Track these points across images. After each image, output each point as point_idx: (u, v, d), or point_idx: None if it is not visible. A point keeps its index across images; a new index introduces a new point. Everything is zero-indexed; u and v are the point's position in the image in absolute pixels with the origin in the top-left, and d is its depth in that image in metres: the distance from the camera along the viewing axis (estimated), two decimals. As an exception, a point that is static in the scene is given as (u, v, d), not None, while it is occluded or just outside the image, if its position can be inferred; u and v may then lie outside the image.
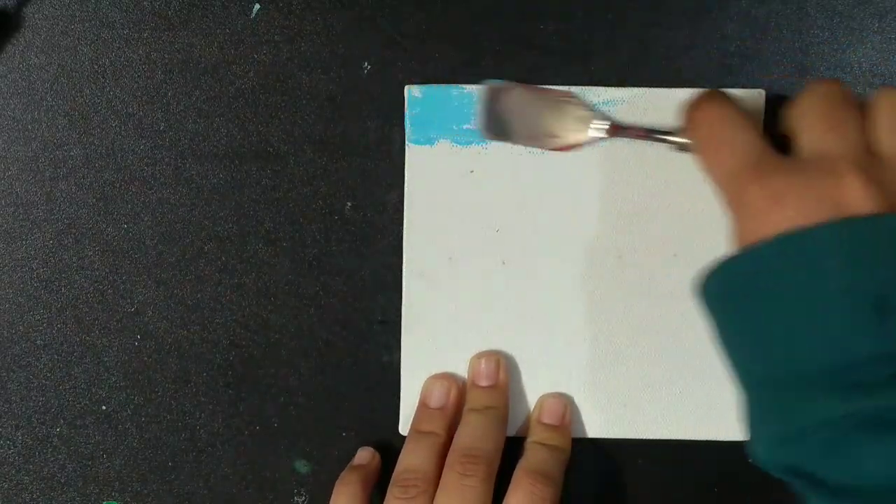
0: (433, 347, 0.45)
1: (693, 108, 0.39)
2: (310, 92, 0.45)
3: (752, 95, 0.44)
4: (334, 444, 0.46)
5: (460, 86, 0.45)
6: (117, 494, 0.46)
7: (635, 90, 0.45)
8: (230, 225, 0.46)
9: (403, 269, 0.45)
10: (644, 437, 0.45)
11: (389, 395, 0.46)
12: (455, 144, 0.45)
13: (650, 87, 0.45)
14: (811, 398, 0.33)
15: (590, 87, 0.45)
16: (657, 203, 0.45)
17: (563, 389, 0.45)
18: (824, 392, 0.33)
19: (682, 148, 0.42)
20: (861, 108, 0.37)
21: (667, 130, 0.43)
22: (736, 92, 0.44)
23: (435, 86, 0.45)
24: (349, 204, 0.46)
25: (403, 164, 0.45)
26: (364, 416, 0.46)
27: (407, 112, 0.45)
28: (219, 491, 0.46)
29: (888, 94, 0.37)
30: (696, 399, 0.45)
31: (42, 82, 0.45)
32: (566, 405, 0.45)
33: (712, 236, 0.45)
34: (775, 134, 0.38)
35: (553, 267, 0.45)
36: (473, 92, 0.45)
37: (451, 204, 0.45)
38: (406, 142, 0.45)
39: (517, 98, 0.44)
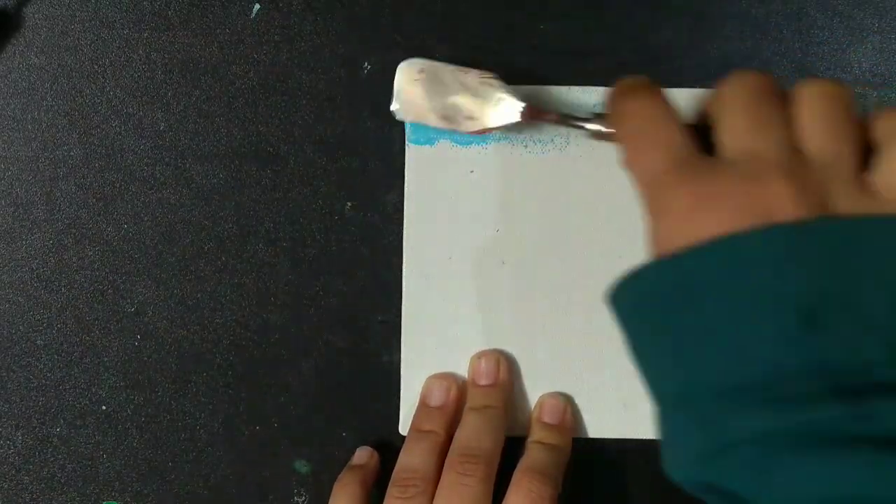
0: (433, 347, 0.45)
1: (619, 97, 0.36)
2: (310, 92, 0.45)
3: (752, 95, 0.44)
4: (334, 444, 0.46)
5: (460, 86, 0.45)
6: (117, 494, 0.46)
7: (635, 90, 0.45)
8: (230, 225, 0.46)
9: (403, 269, 0.45)
10: (644, 437, 0.45)
11: (389, 395, 0.46)
12: (455, 144, 0.45)
13: (650, 87, 0.45)
14: (734, 413, 0.31)
15: (590, 87, 0.45)
16: (657, 203, 0.45)
17: (562, 389, 0.45)
18: (749, 407, 0.30)
19: (599, 136, 0.40)
20: (785, 102, 0.34)
21: (584, 117, 0.41)
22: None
23: (435, 86, 0.45)
24: (349, 204, 0.46)
25: (403, 164, 0.45)
26: (364, 416, 0.46)
27: (407, 112, 0.45)
28: (219, 491, 0.46)
29: (809, 87, 0.34)
30: (696, 399, 0.45)
31: (42, 82, 0.45)
32: (566, 404, 0.45)
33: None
34: (697, 125, 0.36)
35: (553, 267, 0.45)
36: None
37: (451, 204, 0.45)
38: (406, 142, 0.45)
39: (435, 77, 0.43)
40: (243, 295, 0.46)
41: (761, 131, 0.33)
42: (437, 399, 0.44)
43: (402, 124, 0.45)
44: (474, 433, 0.43)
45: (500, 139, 0.45)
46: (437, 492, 0.41)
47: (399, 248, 0.45)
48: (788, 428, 0.30)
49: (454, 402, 0.44)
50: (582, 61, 0.45)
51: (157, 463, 0.46)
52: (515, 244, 0.45)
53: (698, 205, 0.32)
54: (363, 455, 0.45)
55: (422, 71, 0.43)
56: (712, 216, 0.32)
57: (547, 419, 0.45)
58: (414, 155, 0.45)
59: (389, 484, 0.42)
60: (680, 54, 0.45)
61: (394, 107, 0.43)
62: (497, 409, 0.44)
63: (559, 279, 0.45)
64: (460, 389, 0.45)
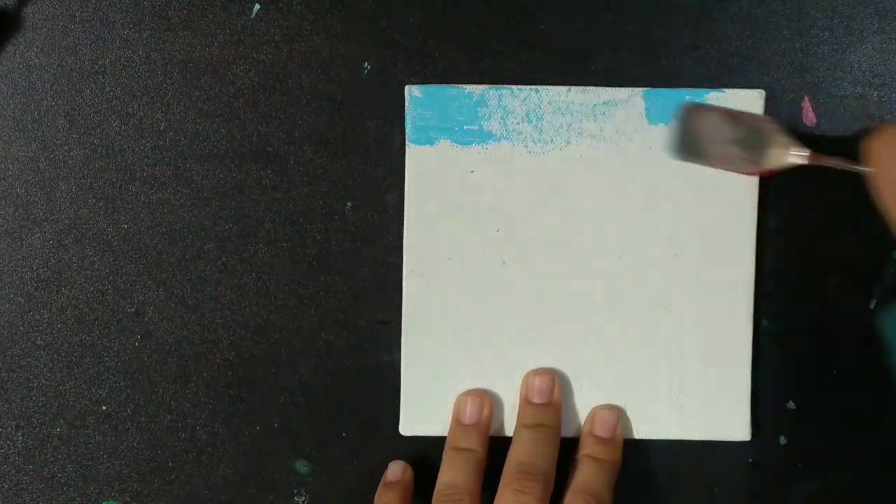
0: (433, 347, 0.45)
1: (870, 139, 0.38)
2: (310, 92, 0.45)
3: (752, 95, 0.44)
4: (334, 444, 0.46)
5: (460, 86, 0.45)
6: (117, 494, 0.46)
7: (635, 90, 0.45)
8: (230, 225, 0.46)
9: (403, 269, 0.45)
10: (644, 437, 0.45)
11: (389, 395, 0.46)
12: (455, 144, 0.45)
13: (650, 87, 0.45)
14: None
15: (590, 87, 0.45)
16: (657, 203, 0.45)
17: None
18: None
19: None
20: None
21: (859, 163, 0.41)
22: (736, 92, 0.44)
23: (435, 86, 0.45)
24: (349, 204, 0.46)
25: (403, 164, 0.45)
26: (364, 416, 0.46)
27: (407, 112, 0.45)
28: (219, 491, 0.46)
29: None
30: (696, 399, 0.45)
31: (42, 82, 0.45)
32: (618, 417, 0.45)
33: (712, 236, 0.45)
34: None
35: (553, 267, 0.45)
36: (474, 92, 0.45)
37: (451, 204, 0.45)
38: (406, 142, 0.45)
39: (714, 120, 0.43)
40: (243, 295, 0.46)
41: None
42: (471, 417, 0.44)
43: (402, 124, 0.45)
44: (530, 450, 0.43)
45: (500, 139, 0.45)
46: None
47: (399, 248, 0.45)
48: None
49: (487, 420, 0.44)
50: (582, 61, 0.45)
51: (157, 463, 0.46)
52: (515, 244, 0.45)
53: None
54: (397, 470, 0.45)
55: (701, 112, 0.43)
56: None
57: (599, 433, 0.44)
58: (414, 155, 0.45)
59: (433, 501, 0.42)
60: (680, 54, 0.45)
61: (672, 148, 0.44)
62: (552, 428, 0.44)
63: (559, 279, 0.45)
64: (492, 407, 0.45)
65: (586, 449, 0.44)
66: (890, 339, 0.37)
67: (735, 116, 0.43)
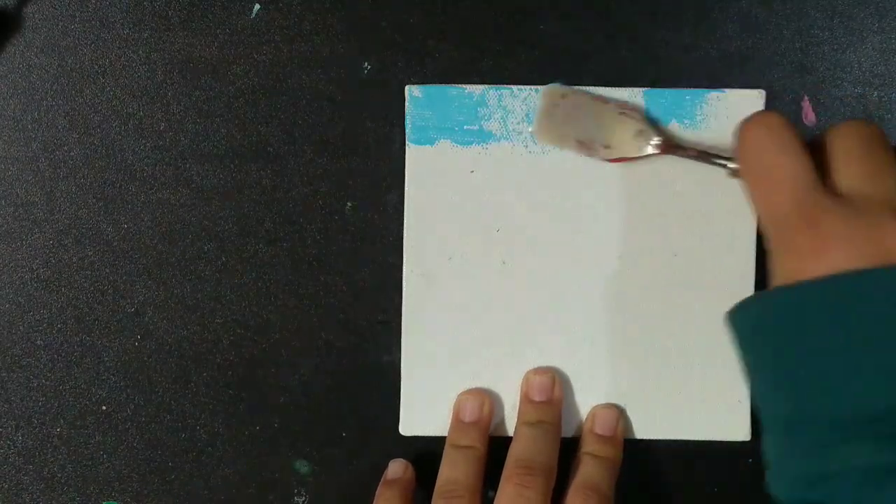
0: (433, 347, 0.45)
1: (740, 130, 0.38)
2: (310, 92, 0.45)
3: (752, 95, 0.44)
4: (334, 444, 0.46)
5: (460, 86, 0.45)
6: (117, 494, 0.46)
7: (635, 90, 0.45)
8: (230, 225, 0.46)
9: (403, 269, 0.45)
10: (644, 437, 0.45)
11: (389, 395, 0.46)
12: (455, 144, 0.45)
13: (650, 87, 0.45)
14: (846, 442, 0.33)
15: (590, 88, 0.45)
16: (657, 204, 0.45)
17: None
18: (861, 438, 0.33)
19: (737, 175, 0.40)
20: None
21: (724, 155, 0.42)
22: (736, 92, 0.44)
23: (435, 86, 0.45)
24: (349, 204, 0.46)
25: (403, 164, 0.45)
26: (364, 416, 0.46)
27: (407, 112, 0.45)
28: (219, 491, 0.46)
29: None
30: (696, 399, 0.45)
31: (42, 82, 0.45)
32: (619, 416, 0.45)
33: (712, 236, 0.45)
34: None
35: (553, 267, 0.45)
36: (474, 92, 0.45)
37: (451, 204, 0.45)
38: (406, 142, 0.45)
39: (576, 104, 0.44)
40: (243, 295, 0.46)
41: (878, 178, 0.35)
42: (471, 414, 0.44)
43: (402, 124, 0.45)
44: (531, 446, 0.43)
45: (500, 139, 0.45)
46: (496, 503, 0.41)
47: (399, 248, 0.45)
48: None
49: (488, 417, 0.44)
50: (582, 61, 0.45)
51: (157, 463, 0.46)
52: (515, 244, 0.45)
53: (824, 244, 0.34)
54: (397, 468, 0.45)
55: (564, 96, 0.44)
56: (837, 254, 0.34)
57: (599, 430, 0.44)
58: (414, 155, 0.45)
59: (433, 498, 0.42)
60: (680, 54, 0.45)
61: (532, 129, 0.44)
62: (551, 425, 0.44)
63: (559, 279, 0.45)
64: (492, 405, 0.45)
65: (587, 447, 0.44)
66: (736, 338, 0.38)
67: (597, 101, 0.44)
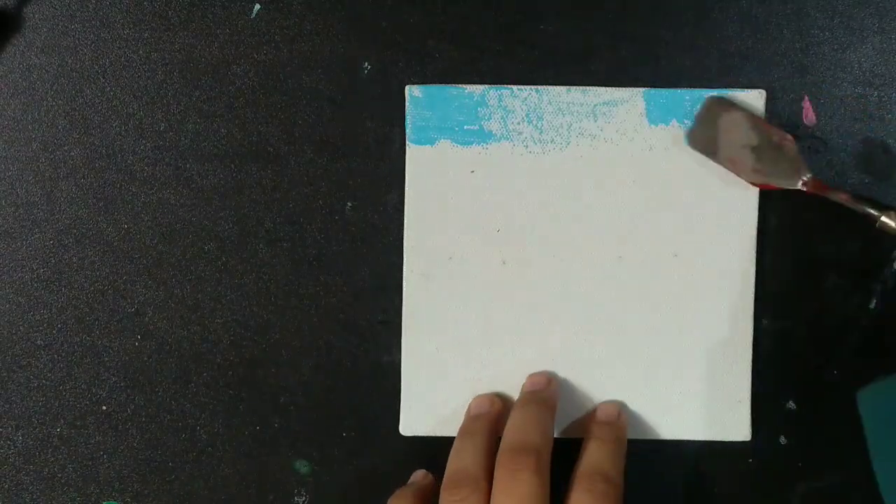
0: (433, 347, 0.45)
1: None
2: (310, 92, 0.45)
3: (752, 95, 0.44)
4: (334, 444, 0.46)
5: (460, 86, 0.45)
6: (117, 494, 0.46)
7: (635, 90, 0.45)
8: (230, 225, 0.46)
9: (403, 269, 0.45)
10: (644, 437, 0.45)
11: (389, 395, 0.46)
12: (455, 144, 0.45)
13: (650, 87, 0.45)
14: None
15: (590, 88, 0.45)
16: (657, 203, 0.45)
17: (562, 389, 0.45)
18: None
19: (885, 226, 0.41)
20: None
21: (881, 204, 0.42)
22: (736, 92, 0.44)
23: (435, 86, 0.45)
24: (349, 204, 0.46)
25: (403, 164, 0.45)
26: (364, 416, 0.46)
27: (407, 112, 0.45)
28: (219, 491, 0.46)
29: None
30: (696, 399, 0.45)
31: (42, 82, 0.45)
32: (619, 408, 0.45)
33: (712, 236, 0.45)
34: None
35: (553, 267, 0.45)
36: (474, 92, 0.45)
37: (451, 204, 0.45)
38: (406, 142, 0.45)
39: (736, 121, 0.43)
40: (243, 295, 0.46)
41: None
42: (478, 408, 0.44)
43: (402, 124, 0.45)
44: (520, 427, 0.42)
45: (500, 139, 0.45)
46: (493, 492, 0.40)
47: (399, 248, 0.45)
48: None
49: (498, 412, 0.44)
50: (582, 61, 0.45)
51: (157, 463, 0.46)
52: (515, 244, 0.45)
53: None
54: (417, 475, 0.45)
55: (726, 110, 0.44)
56: None
57: (601, 417, 0.44)
58: (414, 155, 0.45)
59: (441, 489, 0.41)
60: (680, 54, 0.45)
61: (687, 133, 0.44)
62: (543, 402, 0.43)
63: (559, 279, 0.45)
64: (505, 404, 0.45)
65: (591, 434, 0.43)
66: (866, 418, 0.37)
67: (758, 123, 0.44)
